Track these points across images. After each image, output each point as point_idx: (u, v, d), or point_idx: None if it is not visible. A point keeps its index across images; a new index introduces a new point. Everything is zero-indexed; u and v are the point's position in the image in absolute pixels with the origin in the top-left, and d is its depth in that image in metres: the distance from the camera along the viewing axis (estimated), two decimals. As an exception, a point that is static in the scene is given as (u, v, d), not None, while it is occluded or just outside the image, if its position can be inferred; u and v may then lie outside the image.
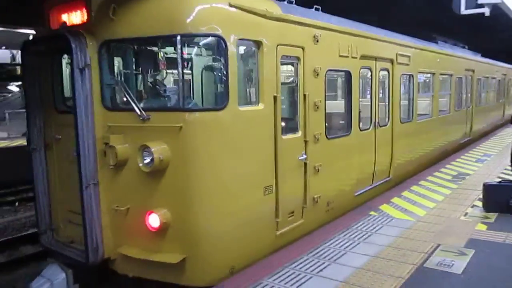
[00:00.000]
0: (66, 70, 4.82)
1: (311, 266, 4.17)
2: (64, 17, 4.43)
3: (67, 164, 4.64)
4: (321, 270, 4.08)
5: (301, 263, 4.25)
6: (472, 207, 6.04)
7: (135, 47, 4.24)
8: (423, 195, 6.62)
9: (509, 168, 7.00)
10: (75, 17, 4.29)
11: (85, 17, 4.20)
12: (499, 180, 6.31)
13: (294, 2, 4.93)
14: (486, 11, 7.54)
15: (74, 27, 4.26)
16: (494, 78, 15.36)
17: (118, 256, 4.31)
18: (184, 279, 4.06)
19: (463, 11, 7.65)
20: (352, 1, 10.66)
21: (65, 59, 4.81)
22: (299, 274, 3.99)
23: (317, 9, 5.35)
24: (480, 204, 5.96)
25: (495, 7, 9.80)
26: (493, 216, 5.62)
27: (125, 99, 4.20)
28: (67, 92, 4.78)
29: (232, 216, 4.16)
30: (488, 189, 5.86)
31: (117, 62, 4.28)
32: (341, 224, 5.36)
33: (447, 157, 9.87)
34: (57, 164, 4.79)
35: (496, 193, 5.79)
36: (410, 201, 6.36)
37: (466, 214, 5.73)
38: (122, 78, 4.18)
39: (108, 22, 4.04)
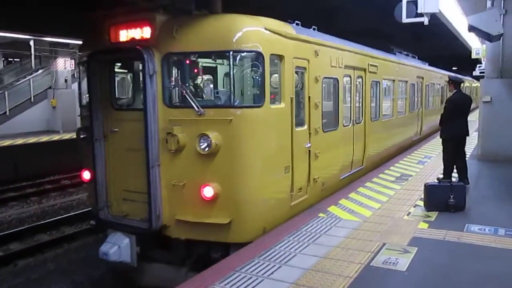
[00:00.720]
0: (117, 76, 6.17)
1: (262, 269, 4.38)
2: (126, 33, 5.77)
3: (122, 152, 5.99)
4: (272, 273, 4.29)
5: (252, 266, 4.47)
6: (414, 206, 6.58)
7: (192, 58, 5.69)
8: (369, 196, 7.19)
9: None
10: (140, 33, 5.65)
11: (149, 34, 5.59)
12: (438, 180, 7.04)
13: (300, 24, 6.63)
14: (425, 20, 7.94)
15: (139, 41, 5.63)
16: (439, 84, 18.24)
17: (173, 223, 5.70)
18: (230, 237, 5.52)
19: (405, 19, 8.04)
20: (295, 9, 12.54)
21: (116, 67, 6.15)
22: (250, 278, 4.17)
23: (314, 29, 7.10)
24: (421, 203, 6.54)
25: (433, 17, 12.12)
26: (433, 214, 6.15)
27: (180, 98, 5.65)
28: (118, 93, 6.13)
29: (265, 189, 5.72)
30: (429, 189, 6.39)
31: (176, 69, 5.69)
32: (291, 226, 5.72)
33: (402, 153, 12.02)
34: (113, 152, 6.08)
35: (435, 193, 6.32)
36: (357, 202, 6.87)
37: (409, 213, 6.22)
38: (180, 83, 5.60)
39: (170, 38, 5.47)
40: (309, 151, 6.67)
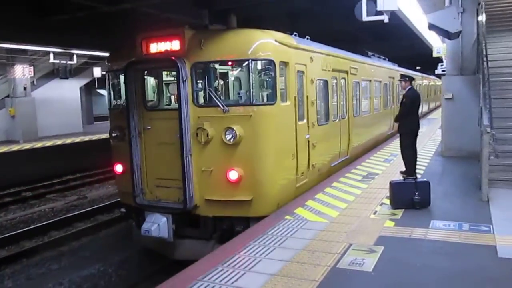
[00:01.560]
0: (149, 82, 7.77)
1: (225, 277, 4.50)
2: (157, 46, 7.35)
3: (155, 146, 7.55)
4: (236, 281, 4.40)
5: (215, 274, 4.58)
6: (381, 205, 6.97)
7: (216, 66, 7.32)
8: (335, 197, 7.60)
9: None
10: (170, 46, 7.24)
11: (179, 46, 7.20)
12: (403, 177, 7.47)
13: (297, 35, 8.39)
14: (385, 18, 8.18)
15: (170, 53, 7.21)
16: None
17: (202, 203, 7.30)
18: (252, 212, 7.17)
19: (365, 18, 8.29)
20: (260, 12, 14.10)
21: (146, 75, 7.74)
22: (214, 287, 4.29)
23: (308, 39, 8.89)
24: (388, 201, 6.96)
25: (395, 17, 13.67)
26: (399, 212, 6.52)
27: (207, 99, 7.26)
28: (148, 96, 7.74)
29: (278, 172, 7.45)
30: (394, 187, 6.80)
31: (203, 76, 7.30)
32: (258, 231, 6.00)
33: (378, 146, 13.99)
34: (147, 146, 7.63)
35: (401, 191, 6.70)
36: (324, 203, 7.26)
37: (375, 212, 6.60)
38: (207, 86, 7.21)
39: (197, 50, 7.11)
40: (308, 141, 8.43)
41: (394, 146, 13.17)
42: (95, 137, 21.59)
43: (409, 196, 6.67)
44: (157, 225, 7.28)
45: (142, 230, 7.32)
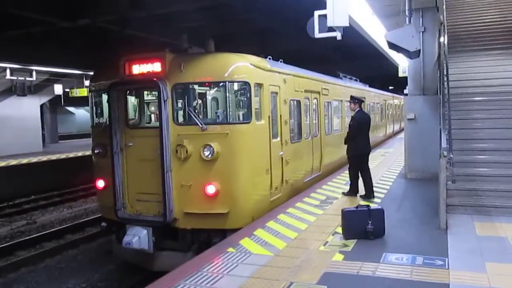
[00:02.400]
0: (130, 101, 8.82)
1: None
2: (139, 68, 8.42)
3: (136, 162, 8.55)
4: None
5: None
6: (333, 234, 6.96)
7: (195, 87, 8.44)
8: (287, 225, 7.67)
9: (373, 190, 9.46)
10: (152, 68, 8.32)
11: (160, 68, 8.29)
12: (357, 205, 7.27)
13: (271, 58, 9.63)
14: (338, 35, 8.29)
15: (151, 74, 8.28)
16: (378, 103, 22.42)
17: (181, 216, 8.29)
18: (228, 224, 8.21)
19: (317, 34, 8.36)
20: (231, 31, 15.49)
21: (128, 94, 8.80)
22: None
23: (281, 61, 10.15)
24: (341, 230, 6.91)
25: (358, 36, 14.31)
26: (351, 243, 6.47)
27: (186, 118, 8.34)
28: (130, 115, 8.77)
29: (253, 186, 8.57)
30: (346, 215, 6.78)
31: (183, 96, 8.39)
32: (193, 266, 5.86)
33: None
34: (128, 162, 8.61)
35: (353, 220, 6.67)
36: (273, 232, 7.26)
37: (326, 243, 6.55)
38: (187, 106, 8.29)
39: (178, 72, 8.22)
40: (282, 158, 9.60)
41: None
42: (54, 157, 22.10)
43: (362, 225, 6.61)
44: (138, 237, 8.21)
45: (123, 242, 8.23)
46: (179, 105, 8.40)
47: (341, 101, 15.06)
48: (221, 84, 8.31)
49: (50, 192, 19.13)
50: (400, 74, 19.15)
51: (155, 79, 8.14)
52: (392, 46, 9.39)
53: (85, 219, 14.74)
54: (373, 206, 7.15)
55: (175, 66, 8.26)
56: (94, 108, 9.61)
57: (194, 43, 9.89)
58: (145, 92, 9.23)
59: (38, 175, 19.62)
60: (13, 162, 20.20)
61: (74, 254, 11.47)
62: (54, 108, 33.76)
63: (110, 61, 8.83)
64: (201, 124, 8.10)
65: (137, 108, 9.26)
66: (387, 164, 14.63)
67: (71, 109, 39.08)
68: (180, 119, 8.42)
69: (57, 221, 15.13)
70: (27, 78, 23.05)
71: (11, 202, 17.71)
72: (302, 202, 9.37)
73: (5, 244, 12.14)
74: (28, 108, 25.41)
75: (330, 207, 8.85)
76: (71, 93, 26.94)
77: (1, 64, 19.90)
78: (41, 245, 12.25)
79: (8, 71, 21.35)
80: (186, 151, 8.07)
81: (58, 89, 25.36)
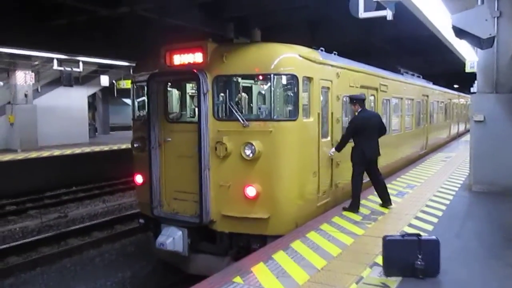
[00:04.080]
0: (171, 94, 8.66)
1: None
2: (180, 58, 8.22)
3: (174, 158, 8.37)
4: None
5: None
6: (372, 266, 5.77)
7: (237, 79, 8.15)
8: (316, 247, 6.56)
9: (429, 204, 8.94)
10: (193, 58, 8.10)
11: (202, 59, 8.05)
12: (403, 232, 6.30)
13: (324, 50, 9.19)
14: (388, 13, 7.46)
15: (192, 65, 8.06)
16: (442, 102, 21.45)
17: (219, 218, 8.04)
18: (268, 230, 7.89)
19: (362, 14, 7.67)
20: (280, 19, 14.76)
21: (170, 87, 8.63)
22: None
23: (335, 54, 9.68)
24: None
25: (420, 25, 13.30)
26: (394, 282, 5.25)
27: (227, 113, 8.06)
28: (171, 108, 8.58)
29: (298, 189, 8.17)
30: (389, 246, 5.39)
31: (225, 89, 8.12)
32: None
33: (409, 165, 14.61)
34: (166, 158, 8.45)
35: (398, 251, 5.36)
36: (297, 257, 6.19)
37: (360, 280, 5.39)
38: (228, 100, 8.02)
39: (220, 63, 7.94)
40: (332, 159, 9.12)
41: (417, 173, 13.12)
42: (97, 148, 22.75)
43: (410, 259, 5.31)
44: (172, 239, 8.06)
45: (157, 243, 8.10)
46: (220, 98, 8.14)
47: (401, 98, 14.38)
48: (265, 77, 7.98)
49: (91, 184, 19.61)
50: (468, 70, 17.91)
51: (194, 70, 7.91)
52: (459, 32, 8.13)
53: (115, 216, 14.83)
54: (425, 235, 5.67)
55: (217, 56, 8.00)
56: (136, 100, 9.55)
57: (242, 34, 9.61)
58: (189, 85, 9.05)
59: (77, 166, 20.17)
60: (56, 152, 20.93)
61: (93, 255, 11.38)
62: (107, 99, 34.76)
63: (153, 51, 8.70)
64: (243, 120, 7.80)
65: (179, 101, 9.10)
66: (448, 172, 13.68)
67: (127, 100, 40.34)
68: (221, 114, 8.16)
69: (88, 216, 15.23)
70: (74, 69, 23.70)
71: (50, 193, 18.27)
72: (340, 216, 8.46)
73: (25, 241, 12.11)
74: (76, 99, 26.22)
75: (374, 226, 7.79)
76: (118, 84, 27.52)
77: (47, 54, 20.49)
78: (66, 242, 12.32)
79: (55, 62, 22.04)
80: (226, 149, 7.80)
81: (104, 80, 25.96)
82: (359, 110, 8.76)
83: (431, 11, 11.87)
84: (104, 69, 25.89)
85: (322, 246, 6.79)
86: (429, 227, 7.66)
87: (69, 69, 23.49)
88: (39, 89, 24.20)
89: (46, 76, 24.32)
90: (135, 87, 9.50)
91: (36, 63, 22.97)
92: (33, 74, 22.56)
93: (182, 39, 8.39)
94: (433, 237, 5.62)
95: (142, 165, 8.83)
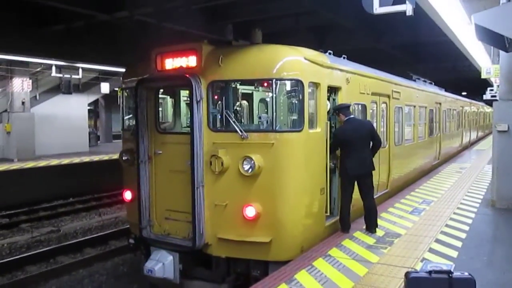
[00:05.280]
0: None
1: None
2: (172, 62, 7.34)
3: (166, 173, 7.46)
4: None
5: None
6: None
7: (235, 86, 7.25)
8: (325, 280, 5.75)
9: (450, 224, 8.14)
10: (186, 62, 7.22)
11: (195, 63, 7.16)
12: (424, 261, 5.80)
13: (332, 54, 8.27)
14: (408, 7, 6.73)
15: (185, 70, 7.18)
16: (455, 109, 20.47)
17: (214, 242, 7.12)
18: (270, 256, 6.97)
19: (377, 9, 6.96)
20: (285, 25, 14.66)
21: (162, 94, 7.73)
22: None
23: (344, 58, 8.76)
24: None
25: (435, 31, 12.39)
26: None
27: (224, 123, 7.16)
28: (164, 117, 7.67)
29: (304, 209, 7.24)
30: (412, 284, 4.44)
31: (221, 96, 7.22)
32: None
33: (423, 177, 13.69)
34: (157, 173, 7.55)
35: None
36: None
37: None
38: (224, 109, 7.11)
39: (215, 67, 7.04)
40: None
41: (432, 186, 12.35)
42: (96, 158, 22.05)
43: None
44: (162, 264, 7.17)
45: (144, 269, 7.22)
46: (216, 107, 7.24)
47: (414, 106, 13.40)
48: (267, 82, 7.07)
49: (89, 195, 18.85)
50: (483, 76, 17.10)
51: (187, 75, 7.02)
52: (482, 33, 7.42)
53: (110, 231, 14.03)
54: (457, 274, 4.36)
55: (213, 60, 7.11)
56: (124, 108, 8.68)
57: (242, 37, 8.76)
58: (184, 92, 8.17)
59: (75, 177, 19.46)
60: (54, 162, 20.21)
61: (82, 276, 10.57)
62: (110, 107, 34.05)
63: (144, 56, 7.84)
64: (241, 132, 6.90)
65: (173, 109, 8.22)
66: (465, 185, 12.65)
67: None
68: (216, 124, 7.27)
69: (81, 230, 14.46)
70: (74, 76, 23.01)
71: (46, 204, 17.57)
72: (350, 238, 7.56)
73: (10, 259, 11.34)
74: (75, 106, 25.54)
75: (389, 252, 6.85)
76: (119, 92, 26.77)
77: (45, 61, 19.81)
78: (55, 260, 11.51)
79: (54, 68, 21.34)
80: (222, 164, 6.89)
81: (105, 88, 25.27)
82: (346, 119, 7.81)
83: (448, 14, 10.94)
84: (105, 76, 25.22)
85: (331, 277, 5.89)
86: (453, 253, 6.74)
87: (68, 76, 22.89)
88: (37, 97, 23.60)
89: (45, 83, 23.71)
90: (125, 94, 8.62)
91: (36, 70, 22.29)
92: (30, 81, 21.88)
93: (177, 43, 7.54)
94: (466, 274, 4.40)
95: (131, 180, 7.92)
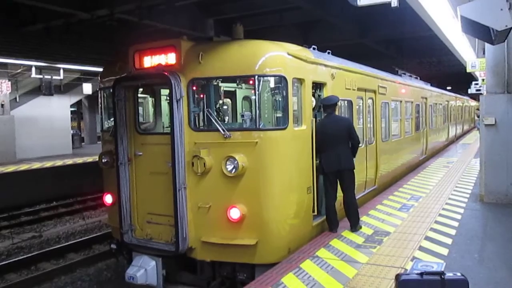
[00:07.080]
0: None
1: None
2: (151, 60, 7.06)
3: (147, 175, 7.18)
4: None
5: None
6: None
7: (217, 83, 6.99)
8: (313, 283, 5.52)
9: (439, 221, 8.01)
10: (165, 59, 6.94)
11: (175, 60, 6.88)
12: (414, 259, 5.72)
13: (316, 49, 8.05)
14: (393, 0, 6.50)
15: (164, 67, 6.90)
16: (440, 104, 20.44)
17: (198, 245, 6.87)
18: (256, 258, 6.73)
19: (361, 1, 6.75)
20: (270, 22, 14.41)
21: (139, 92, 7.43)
22: None
23: (328, 53, 8.54)
24: None
25: (423, 26, 12.30)
26: None
27: (206, 122, 6.91)
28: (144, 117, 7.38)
29: (290, 209, 7.01)
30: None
31: (201, 94, 6.96)
32: None
33: (410, 173, 13.57)
34: (137, 175, 7.27)
35: None
36: None
37: None
38: (206, 107, 6.85)
39: (195, 64, 6.78)
40: None
41: (420, 182, 12.21)
42: (80, 160, 21.64)
43: None
44: (144, 270, 6.90)
45: (126, 275, 6.94)
46: (197, 105, 6.97)
47: (401, 101, 13.25)
48: (249, 79, 6.82)
49: (72, 199, 18.49)
50: (469, 69, 16.98)
51: (165, 73, 6.74)
52: (467, 26, 7.29)
53: (94, 235, 13.68)
54: (449, 274, 4.11)
55: (193, 57, 6.84)
56: (103, 109, 8.36)
57: (224, 33, 8.47)
58: (164, 90, 7.89)
59: (58, 180, 19.07)
60: (36, 165, 19.80)
61: (64, 283, 10.23)
62: (94, 107, 33.46)
63: (122, 53, 7.54)
64: (224, 131, 6.65)
65: (153, 109, 7.94)
66: (452, 179, 12.53)
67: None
68: (198, 123, 7.00)
69: (64, 235, 14.04)
70: (55, 77, 22.53)
71: (29, 209, 17.20)
72: (339, 237, 7.37)
73: None
74: (57, 108, 25.07)
75: (379, 251, 6.64)
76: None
77: (25, 62, 19.34)
78: (36, 267, 11.14)
79: (33, 69, 20.85)
80: (204, 164, 6.63)
81: (87, 88, 24.82)
82: (326, 114, 7.66)
83: (433, 7, 10.72)
84: (88, 76, 24.76)
85: (319, 280, 5.66)
86: (444, 251, 6.56)
87: (49, 77, 22.37)
88: (17, 99, 23.07)
89: (25, 85, 23.22)
90: (103, 94, 8.30)
91: (16, 71, 21.77)
92: (9, 83, 21.34)
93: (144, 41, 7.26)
94: (459, 274, 4.13)
95: (111, 183, 7.62)
